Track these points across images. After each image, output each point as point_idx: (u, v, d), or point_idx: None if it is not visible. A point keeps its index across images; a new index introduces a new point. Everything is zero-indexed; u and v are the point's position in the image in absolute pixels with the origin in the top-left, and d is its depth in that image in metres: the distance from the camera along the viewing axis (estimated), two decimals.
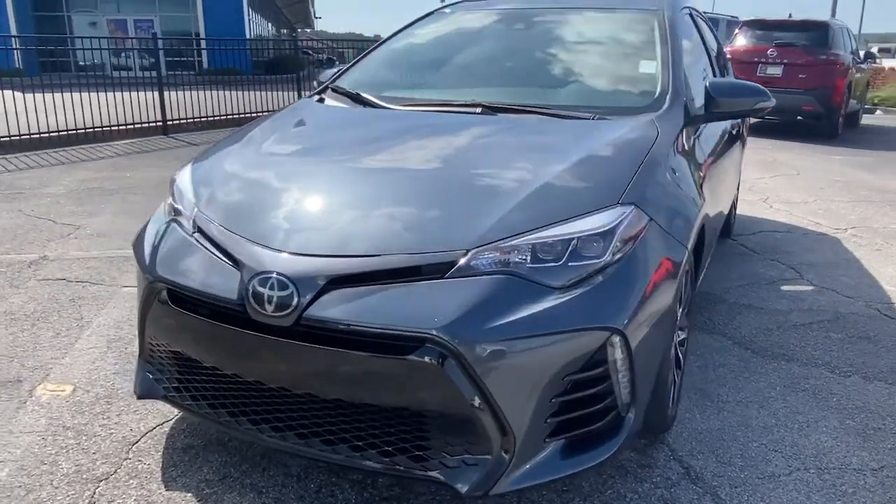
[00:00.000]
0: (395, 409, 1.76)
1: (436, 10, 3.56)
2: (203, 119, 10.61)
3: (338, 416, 1.81)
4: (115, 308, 3.40)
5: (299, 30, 62.32)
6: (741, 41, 10.84)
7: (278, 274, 1.76)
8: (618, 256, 1.81)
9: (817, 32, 10.47)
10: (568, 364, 1.72)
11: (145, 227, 2.31)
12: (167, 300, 1.96)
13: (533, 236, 1.80)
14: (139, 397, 2.17)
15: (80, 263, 4.06)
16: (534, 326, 1.68)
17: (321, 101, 2.99)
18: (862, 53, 12.22)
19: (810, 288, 3.89)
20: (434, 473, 1.75)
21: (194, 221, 2.09)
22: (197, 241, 2.03)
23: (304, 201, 2.09)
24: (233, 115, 10.93)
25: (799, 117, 10.57)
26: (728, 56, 8.99)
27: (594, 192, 1.98)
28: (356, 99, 2.89)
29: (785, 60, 10.22)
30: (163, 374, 2.13)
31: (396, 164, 2.31)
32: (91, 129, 9.08)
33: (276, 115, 2.87)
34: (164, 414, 2.45)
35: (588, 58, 3.03)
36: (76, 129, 8.94)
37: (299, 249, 1.84)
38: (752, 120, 7.11)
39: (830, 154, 8.96)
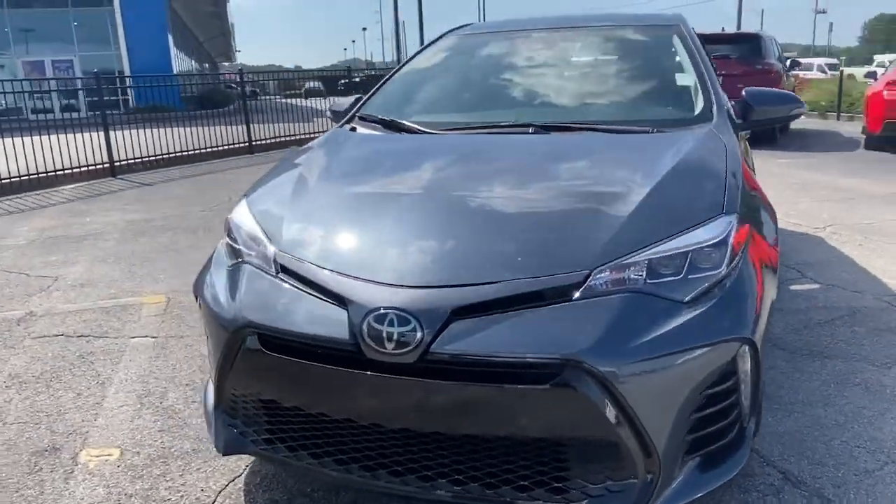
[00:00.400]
0: (531, 440, 1.69)
1: (449, 33, 3.55)
2: (152, 158, 10.22)
3: (467, 453, 1.72)
4: (133, 361, 3.18)
5: (221, 63, 61.34)
6: None
7: (397, 310, 1.67)
8: (733, 265, 1.81)
9: (750, 44, 11.05)
10: (705, 378, 1.70)
11: (207, 273, 2.16)
12: (259, 347, 1.83)
13: (650, 252, 1.77)
14: (224, 454, 2.02)
15: (74, 317, 3.80)
16: (672, 343, 1.65)
17: (353, 129, 2.91)
18: (788, 62, 12.96)
19: (817, 286, 4.03)
20: None
21: (275, 261, 1.96)
22: (285, 281, 1.91)
23: (402, 233, 2.00)
24: (182, 152, 10.59)
25: None
26: None
27: (696, 203, 1.97)
28: (392, 126, 2.83)
29: (723, 72, 10.64)
30: (249, 426, 1.97)
31: (483, 189, 2.22)
32: (35, 176, 8.60)
33: (321, 146, 2.73)
34: (230, 469, 2.29)
35: (620, 73, 3.07)
36: (19, 176, 8.45)
37: (416, 282, 1.75)
38: None
39: (776, 158, 9.39)
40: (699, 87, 2.73)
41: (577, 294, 1.69)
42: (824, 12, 65.35)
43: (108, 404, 2.78)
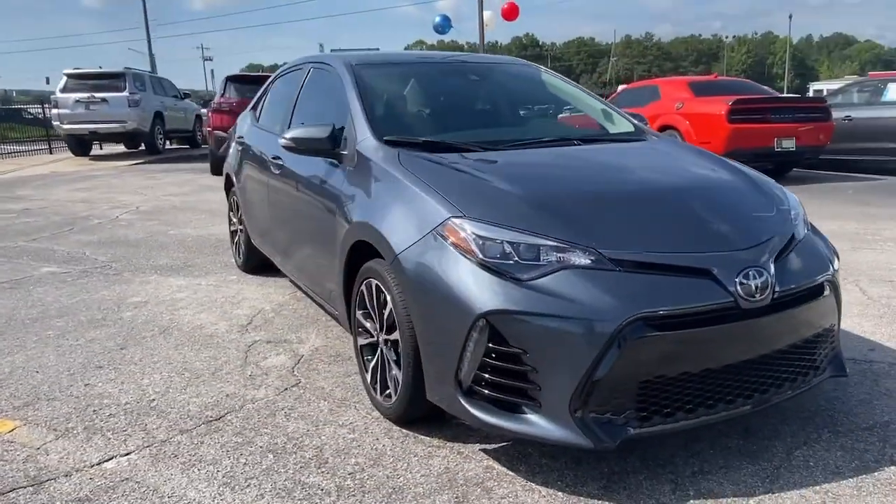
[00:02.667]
0: (803, 340, 2.35)
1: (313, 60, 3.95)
2: None
3: (766, 367, 2.26)
4: None
5: None
6: (234, 94, 11.65)
7: (756, 266, 2.18)
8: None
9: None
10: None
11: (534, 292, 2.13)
12: (653, 333, 2.02)
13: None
14: (606, 450, 2.15)
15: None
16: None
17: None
18: None
19: None
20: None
21: (610, 259, 2.12)
22: (633, 272, 2.11)
23: (678, 220, 2.37)
24: None
25: None
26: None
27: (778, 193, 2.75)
28: (434, 147, 2.86)
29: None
30: (618, 412, 2.08)
31: (661, 186, 2.66)
32: None
33: (446, 170, 2.64)
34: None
35: (559, 99, 3.88)
36: None
37: (745, 244, 2.27)
38: None
39: None
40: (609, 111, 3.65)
41: (797, 241, 2.45)
42: (210, 59, 73.90)
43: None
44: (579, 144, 3.08)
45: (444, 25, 18.06)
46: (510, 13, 16.79)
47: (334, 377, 3.12)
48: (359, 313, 2.82)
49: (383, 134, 2.94)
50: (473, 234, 2.19)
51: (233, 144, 4.99)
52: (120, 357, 3.42)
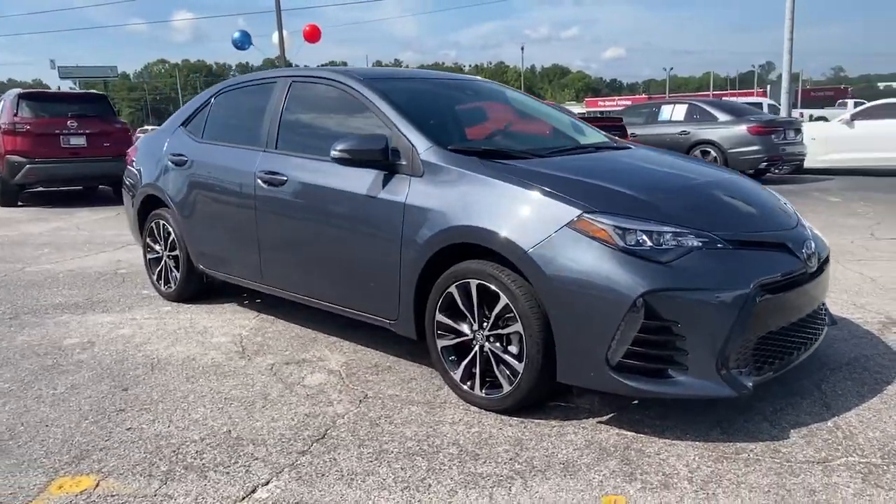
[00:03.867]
0: None
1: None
2: None
3: (819, 316, 3.00)
4: None
5: None
6: (28, 113, 10.48)
7: (808, 240, 2.84)
8: None
9: (101, 104, 11.41)
10: None
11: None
12: (769, 295, 2.54)
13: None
14: (745, 396, 2.52)
15: None
16: None
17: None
18: None
19: None
20: None
21: (718, 239, 2.57)
22: (731, 249, 2.58)
23: (728, 207, 2.92)
24: None
25: (101, 185, 11.68)
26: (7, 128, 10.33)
27: None
28: (493, 155, 3.07)
29: (87, 131, 10.71)
30: (744, 366, 2.53)
31: (697, 180, 3.17)
32: None
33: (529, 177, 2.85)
34: None
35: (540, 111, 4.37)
36: None
37: (791, 225, 2.94)
38: None
39: None
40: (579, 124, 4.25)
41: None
42: None
43: None
44: (595, 152, 3.48)
45: (244, 41, 17.72)
46: (312, 35, 16.83)
47: (397, 384, 3.14)
48: (440, 316, 2.92)
49: (444, 144, 3.07)
50: (613, 225, 2.48)
51: (152, 164, 4.59)
52: (134, 398, 3.06)
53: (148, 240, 4.76)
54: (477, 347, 2.83)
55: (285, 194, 3.56)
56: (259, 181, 3.69)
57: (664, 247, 2.47)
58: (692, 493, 2.18)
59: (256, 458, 2.48)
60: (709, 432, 2.59)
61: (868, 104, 13.25)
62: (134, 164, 4.91)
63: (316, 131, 3.75)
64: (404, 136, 3.11)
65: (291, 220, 3.57)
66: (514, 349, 2.73)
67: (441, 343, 2.96)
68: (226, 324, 4.15)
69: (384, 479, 2.32)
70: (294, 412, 2.88)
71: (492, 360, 2.79)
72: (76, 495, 2.26)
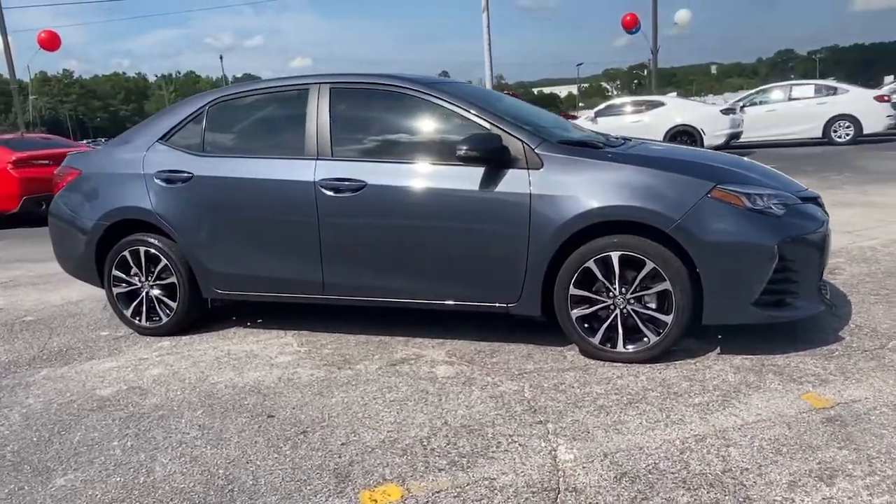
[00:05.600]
0: None
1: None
2: None
3: None
4: None
5: None
6: None
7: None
8: None
9: None
10: None
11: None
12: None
13: None
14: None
15: None
16: None
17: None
18: None
19: None
20: None
21: (795, 197, 3.39)
22: (802, 203, 3.40)
23: (763, 174, 3.60)
24: None
25: None
26: None
27: None
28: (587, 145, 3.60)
29: None
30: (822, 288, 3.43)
31: (725, 158, 3.87)
32: None
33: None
34: None
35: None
36: None
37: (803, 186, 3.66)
38: None
39: None
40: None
41: None
42: None
43: None
44: (627, 143, 3.98)
45: None
46: (49, 42, 14.63)
47: (524, 361, 3.43)
48: (574, 290, 3.30)
49: (548, 139, 3.44)
50: (743, 192, 3.14)
51: (122, 186, 4.05)
52: (293, 420, 2.89)
53: (116, 272, 4.18)
54: (617, 311, 3.28)
55: (364, 200, 3.56)
56: (323, 190, 3.61)
57: (774, 205, 3.20)
58: (841, 379, 2.94)
59: (514, 434, 2.65)
60: (793, 344, 3.40)
61: (606, 104, 16.06)
62: (78, 189, 4.25)
63: (387, 136, 3.78)
64: (511, 134, 3.40)
65: (375, 225, 3.58)
66: (653, 305, 3.24)
67: (576, 313, 3.34)
68: (265, 347, 3.91)
69: (641, 418, 2.69)
70: (474, 397, 3.03)
71: (635, 318, 3.26)
72: (400, 500, 2.25)
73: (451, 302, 3.59)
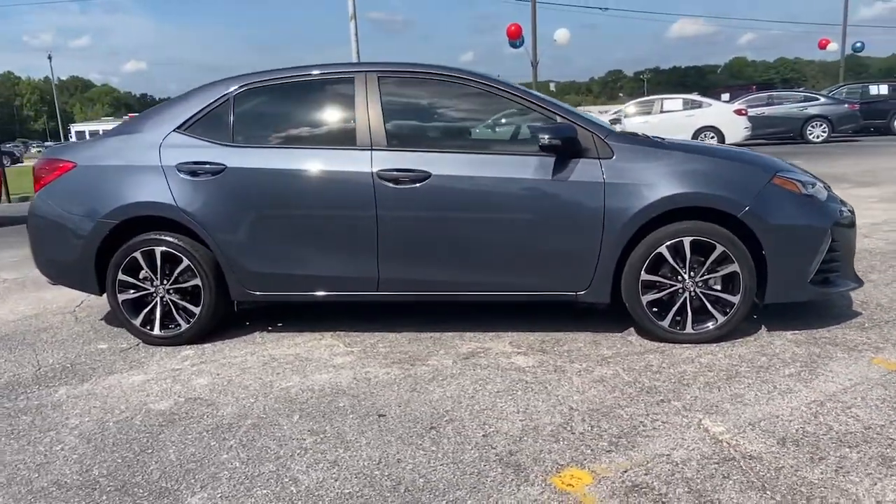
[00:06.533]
0: None
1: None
2: None
3: None
4: None
5: None
6: None
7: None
8: None
9: None
10: None
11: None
12: None
13: None
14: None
15: None
16: None
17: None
18: None
19: None
20: None
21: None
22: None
23: None
24: None
25: None
26: None
27: None
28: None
29: None
30: None
31: None
32: None
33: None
34: None
35: None
36: None
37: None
38: None
39: None
40: None
41: None
42: None
43: None
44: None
45: None
46: None
47: (598, 347, 3.49)
48: (644, 276, 3.41)
49: (611, 130, 3.54)
50: (798, 180, 3.42)
51: (134, 180, 3.63)
52: (399, 423, 2.75)
53: (123, 276, 3.73)
54: (686, 294, 3.44)
55: (428, 191, 3.45)
56: (382, 181, 3.46)
57: (818, 192, 3.51)
58: (889, 346, 3.29)
59: (648, 414, 2.70)
60: (822, 320, 3.74)
61: None
62: (72, 184, 3.75)
63: (447, 126, 3.68)
64: (580, 125, 3.46)
65: (439, 216, 3.48)
66: (718, 287, 3.43)
67: (646, 298, 3.45)
68: (310, 350, 3.65)
69: (753, 391, 2.84)
70: (578, 383, 3.04)
71: (703, 300, 3.43)
72: (593, 482, 2.23)
73: (518, 293, 3.58)
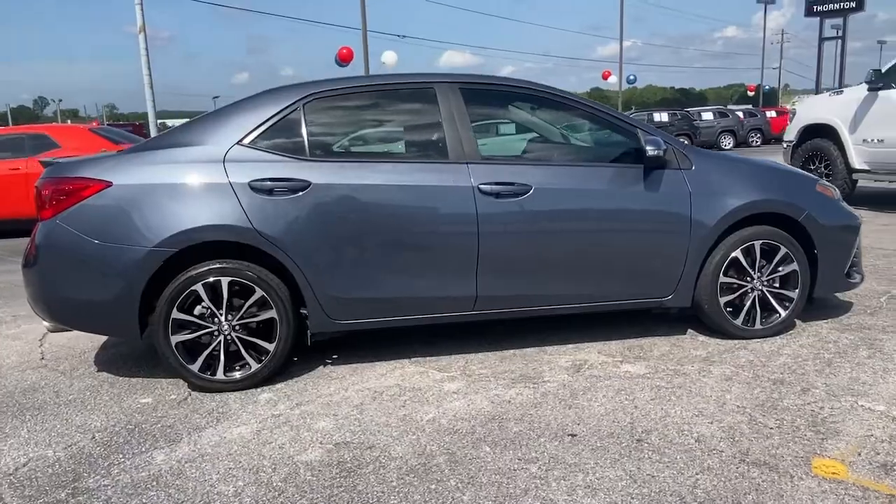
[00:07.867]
0: None
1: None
2: None
3: None
4: None
5: None
6: None
7: None
8: None
9: None
10: None
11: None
12: None
13: None
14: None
15: None
16: None
17: None
18: None
19: None
20: None
21: None
22: None
23: None
24: None
25: None
26: None
27: None
28: None
29: None
30: None
31: None
32: None
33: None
34: None
35: None
36: None
37: None
38: None
39: None
40: None
41: None
42: None
43: None
44: None
45: None
46: None
47: (682, 349, 3.66)
48: (722, 279, 3.66)
49: (681, 143, 3.73)
50: (831, 187, 3.89)
51: (195, 200, 3.09)
52: (589, 442, 2.67)
53: (178, 315, 3.14)
54: (755, 294, 3.74)
55: (530, 204, 3.38)
56: (484, 195, 3.33)
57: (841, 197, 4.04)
58: None
59: (814, 402, 2.92)
60: (829, 311, 4.28)
61: None
62: (108, 207, 3.09)
63: (538, 139, 3.60)
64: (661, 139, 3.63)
65: (541, 230, 3.43)
66: (777, 285, 3.79)
67: (724, 300, 3.70)
68: (404, 379, 3.37)
69: (876, 373, 3.18)
70: (727, 384, 3.18)
71: (769, 298, 3.76)
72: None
73: (610, 302, 3.64)
